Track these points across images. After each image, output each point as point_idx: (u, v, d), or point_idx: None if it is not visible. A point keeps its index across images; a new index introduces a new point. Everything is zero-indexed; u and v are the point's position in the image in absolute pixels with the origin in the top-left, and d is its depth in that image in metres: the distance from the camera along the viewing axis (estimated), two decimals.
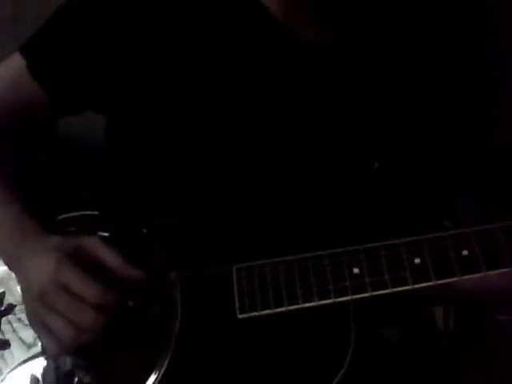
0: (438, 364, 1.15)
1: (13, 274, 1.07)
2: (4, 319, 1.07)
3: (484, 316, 1.32)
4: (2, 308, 1.08)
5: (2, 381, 1.04)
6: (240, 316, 0.97)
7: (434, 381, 1.12)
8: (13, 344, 1.05)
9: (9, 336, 1.06)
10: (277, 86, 1.08)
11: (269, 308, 0.96)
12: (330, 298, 0.95)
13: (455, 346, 1.28)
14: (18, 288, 1.06)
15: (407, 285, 0.93)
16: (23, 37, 1.13)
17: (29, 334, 1.04)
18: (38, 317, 0.99)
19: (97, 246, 0.99)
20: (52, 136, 1.22)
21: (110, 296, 0.96)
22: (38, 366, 1.03)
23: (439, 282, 0.93)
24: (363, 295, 0.94)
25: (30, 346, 1.04)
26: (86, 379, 1.01)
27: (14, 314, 1.07)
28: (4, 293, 1.08)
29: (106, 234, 1.07)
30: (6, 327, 1.07)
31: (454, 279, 0.92)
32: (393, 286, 0.94)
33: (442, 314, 1.33)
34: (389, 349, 1.18)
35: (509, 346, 1.26)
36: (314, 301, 0.95)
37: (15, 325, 1.06)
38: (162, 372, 0.97)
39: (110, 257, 0.98)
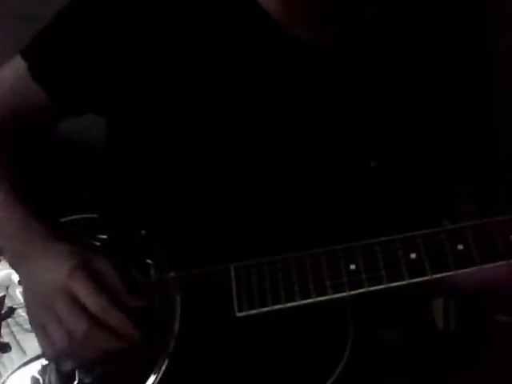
0: (438, 364, 1.15)
1: (13, 278, 1.08)
2: (4, 322, 1.07)
3: (484, 316, 1.32)
4: (3, 311, 1.08)
5: (3, 383, 1.04)
6: (239, 314, 0.98)
7: (434, 381, 1.12)
8: (13, 347, 1.06)
9: (9, 339, 1.07)
10: (276, 87, 1.09)
11: (267, 305, 0.97)
12: (327, 295, 0.95)
13: (455, 346, 1.27)
14: (18, 292, 1.07)
15: (403, 280, 0.94)
16: (25, 36, 1.13)
17: (29, 337, 1.05)
18: (38, 318, 1.00)
19: (107, 266, 1.00)
20: (52, 138, 1.23)
21: (113, 314, 0.96)
22: (39, 367, 1.04)
23: (435, 276, 0.93)
24: (360, 291, 0.95)
25: (30, 349, 1.05)
26: (87, 380, 1.01)
27: (14, 318, 1.08)
28: (4, 296, 1.09)
29: (105, 237, 1.07)
30: (6, 330, 1.07)
31: (449, 273, 0.93)
32: (389, 281, 0.94)
33: (442, 314, 1.33)
34: (388, 349, 1.18)
35: (509, 346, 1.25)
36: (311, 297, 0.96)
37: (15, 328, 1.07)
38: (161, 371, 0.98)
39: (116, 281, 0.99)
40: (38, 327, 1.00)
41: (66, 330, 0.96)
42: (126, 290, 0.99)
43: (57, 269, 0.98)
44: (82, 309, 0.96)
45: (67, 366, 1.02)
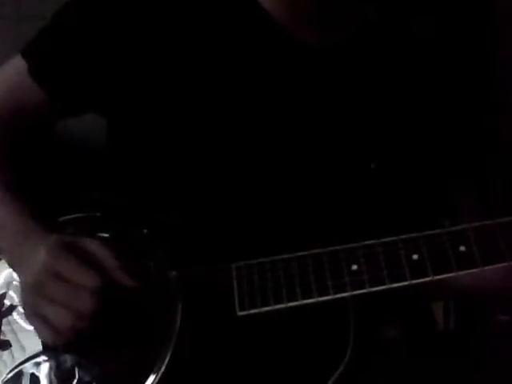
0: (438, 364, 1.15)
1: (14, 276, 1.08)
2: (5, 320, 1.07)
3: (484, 316, 1.33)
4: (3, 309, 1.08)
5: (2, 381, 1.04)
6: (240, 313, 0.98)
7: (434, 381, 1.12)
8: (13, 344, 1.06)
9: (9, 336, 1.06)
10: (276, 88, 1.09)
11: (268, 305, 0.97)
12: (328, 295, 0.95)
13: (455, 346, 1.28)
14: (12, 290, 1.08)
15: (405, 280, 0.94)
16: (24, 34, 1.13)
17: (29, 334, 1.04)
18: (33, 308, 0.99)
19: (94, 243, 1.00)
20: (53, 137, 1.23)
21: (105, 281, 0.96)
22: (39, 365, 1.04)
23: (437, 277, 0.93)
24: (362, 291, 0.95)
25: (23, 349, 1.05)
26: (87, 378, 1.01)
27: (14, 315, 1.07)
28: (5, 294, 1.09)
29: (107, 235, 1.07)
30: (6, 328, 1.07)
31: (451, 274, 0.93)
32: (391, 282, 0.94)
33: (442, 313, 1.33)
34: (389, 348, 1.18)
35: (509, 346, 1.26)
36: (313, 297, 0.96)
37: (15, 325, 1.07)
38: (161, 371, 0.97)
39: (104, 254, 0.99)
40: (35, 317, 1.00)
41: (64, 308, 0.96)
42: (117, 265, 0.98)
43: (39, 254, 0.98)
44: (74, 284, 0.96)
45: (67, 363, 1.02)
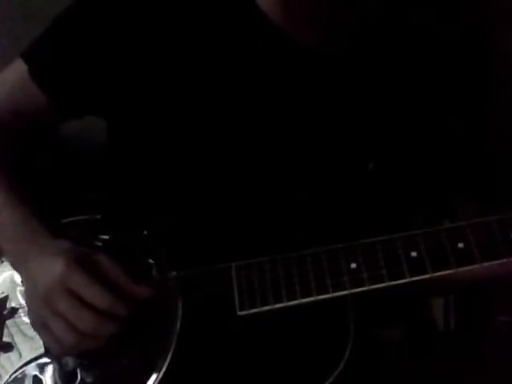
0: (438, 364, 1.16)
1: (15, 278, 1.09)
2: (11, 322, 1.08)
3: (484, 316, 1.33)
4: (5, 312, 1.08)
5: (6, 382, 1.04)
6: (240, 313, 0.98)
7: (434, 381, 1.12)
8: (16, 346, 1.06)
9: (12, 339, 1.07)
10: (274, 89, 1.09)
11: (268, 304, 0.97)
12: (328, 293, 0.96)
13: (455, 346, 1.28)
14: (18, 292, 1.08)
15: (404, 278, 0.94)
16: (24, 36, 1.14)
17: (31, 337, 1.05)
18: (40, 318, 0.99)
19: (106, 260, 1.00)
20: (54, 139, 1.23)
21: (116, 305, 0.97)
22: (41, 366, 1.04)
23: (435, 274, 0.94)
24: (361, 289, 0.95)
25: (32, 348, 1.05)
26: (89, 379, 1.01)
27: (17, 318, 1.08)
28: (7, 297, 1.09)
29: (107, 237, 1.08)
30: (9, 330, 1.07)
31: (450, 271, 0.93)
32: (390, 280, 0.94)
33: (442, 314, 1.33)
34: (389, 348, 1.18)
35: (509, 346, 1.26)
36: (312, 296, 0.96)
37: (18, 328, 1.07)
38: (163, 371, 0.98)
39: (117, 272, 0.99)
40: (41, 326, 1.00)
41: (70, 326, 0.96)
42: (129, 281, 0.99)
43: (53, 265, 0.98)
44: (83, 303, 0.96)
45: (69, 365, 1.02)
